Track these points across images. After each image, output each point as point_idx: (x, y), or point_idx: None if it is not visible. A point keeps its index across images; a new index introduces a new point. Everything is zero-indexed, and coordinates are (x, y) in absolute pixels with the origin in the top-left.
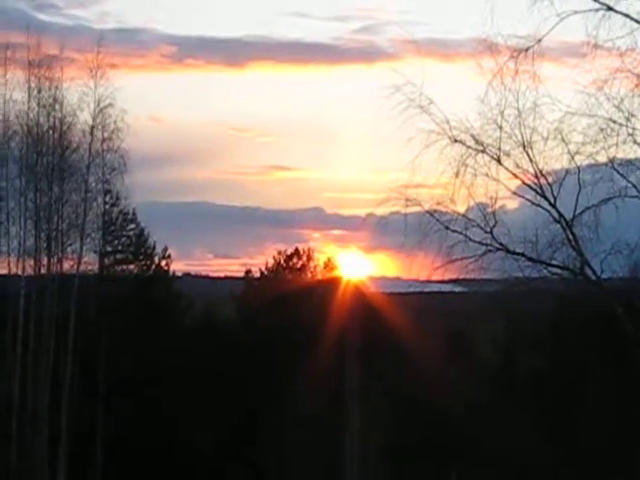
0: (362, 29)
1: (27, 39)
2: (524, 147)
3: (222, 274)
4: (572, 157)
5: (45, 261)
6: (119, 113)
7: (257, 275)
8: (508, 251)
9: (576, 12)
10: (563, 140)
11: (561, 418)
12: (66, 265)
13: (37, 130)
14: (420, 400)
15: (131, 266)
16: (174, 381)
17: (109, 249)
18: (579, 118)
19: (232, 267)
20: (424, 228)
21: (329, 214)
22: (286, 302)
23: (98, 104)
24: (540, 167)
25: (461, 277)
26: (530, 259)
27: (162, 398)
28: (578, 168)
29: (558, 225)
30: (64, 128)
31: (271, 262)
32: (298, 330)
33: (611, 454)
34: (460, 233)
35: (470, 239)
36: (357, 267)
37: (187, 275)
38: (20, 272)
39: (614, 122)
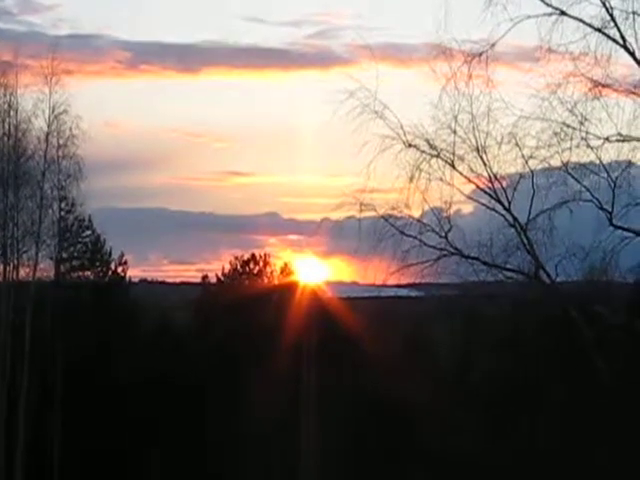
0: (317, 34)
1: None
2: (478, 151)
3: (178, 280)
4: (526, 161)
5: (1, 268)
6: (74, 119)
7: (214, 281)
8: (463, 255)
9: (529, 17)
10: (517, 144)
11: (518, 421)
12: (22, 272)
13: None
14: (378, 403)
15: (87, 272)
16: (131, 387)
17: (65, 256)
18: (533, 122)
19: (188, 273)
20: (379, 233)
21: (285, 219)
22: (243, 307)
23: (53, 110)
24: (494, 171)
25: (417, 281)
26: (485, 263)
27: (119, 404)
28: (532, 172)
29: (513, 229)
30: (19, 135)
31: (228, 267)
32: (255, 335)
33: (568, 456)
34: (415, 238)
35: (425, 244)
36: (313, 272)
37: (143, 281)
38: None
39: (568, 126)
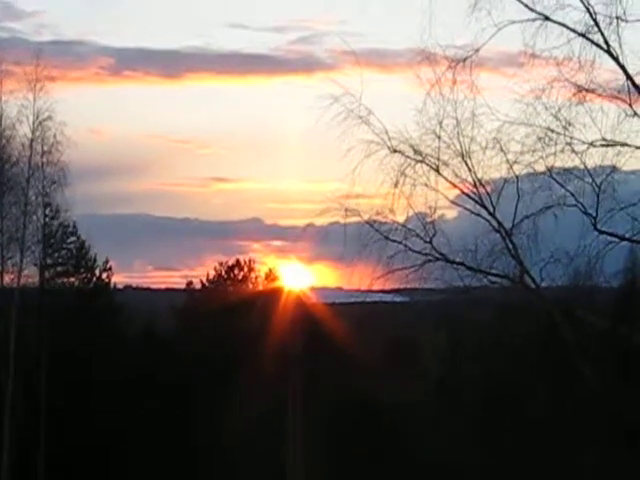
0: (300, 40)
1: None
2: (463, 157)
3: (163, 286)
4: (511, 166)
5: None
6: (58, 126)
7: (198, 287)
8: (448, 260)
9: (513, 22)
10: (501, 149)
11: (501, 426)
12: (6, 279)
13: None
14: (362, 407)
15: (72, 279)
16: (116, 392)
17: (50, 262)
18: (517, 127)
19: (173, 279)
20: (364, 238)
21: (268, 225)
22: (228, 313)
23: (37, 117)
24: (479, 176)
25: (402, 287)
26: (470, 268)
27: (104, 410)
28: (517, 177)
29: (497, 234)
30: (3, 141)
31: (212, 273)
32: (240, 341)
33: (553, 461)
34: (400, 243)
35: (410, 249)
36: (298, 278)
37: (128, 287)
38: None
39: (552, 131)
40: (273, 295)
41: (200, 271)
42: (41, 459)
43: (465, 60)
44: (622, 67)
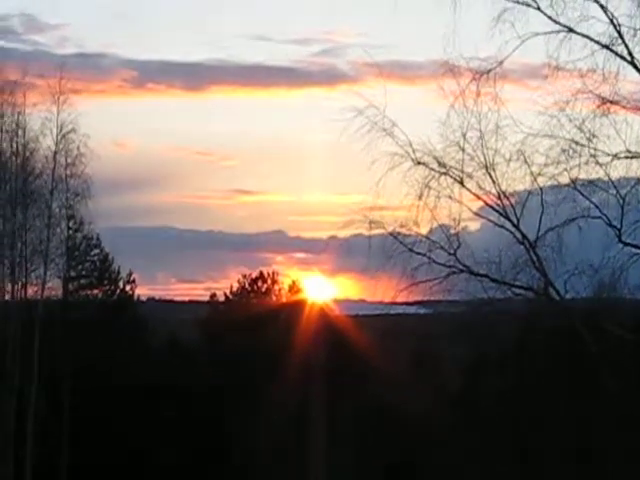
0: (323, 52)
1: None
2: (487, 169)
3: (186, 298)
4: (535, 178)
5: (9, 287)
6: (82, 138)
7: (222, 299)
8: (472, 273)
9: (537, 34)
10: (525, 161)
11: (526, 439)
12: (30, 291)
13: (0, 156)
14: (385, 421)
15: (95, 291)
16: (140, 406)
17: (73, 274)
18: (541, 139)
19: (196, 291)
20: (387, 250)
21: (292, 237)
22: (251, 325)
23: (61, 129)
24: (503, 188)
25: (425, 299)
26: (494, 280)
27: (128, 423)
28: (541, 189)
29: (521, 246)
30: (27, 154)
31: (236, 286)
32: (264, 353)
33: (578, 474)
34: (424, 255)
35: (434, 261)
36: (321, 290)
37: (151, 300)
38: None
39: (576, 143)
40: (296, 307)
41: (223, 283)
42: (64, 469)
43: (489, 72)
44: None
